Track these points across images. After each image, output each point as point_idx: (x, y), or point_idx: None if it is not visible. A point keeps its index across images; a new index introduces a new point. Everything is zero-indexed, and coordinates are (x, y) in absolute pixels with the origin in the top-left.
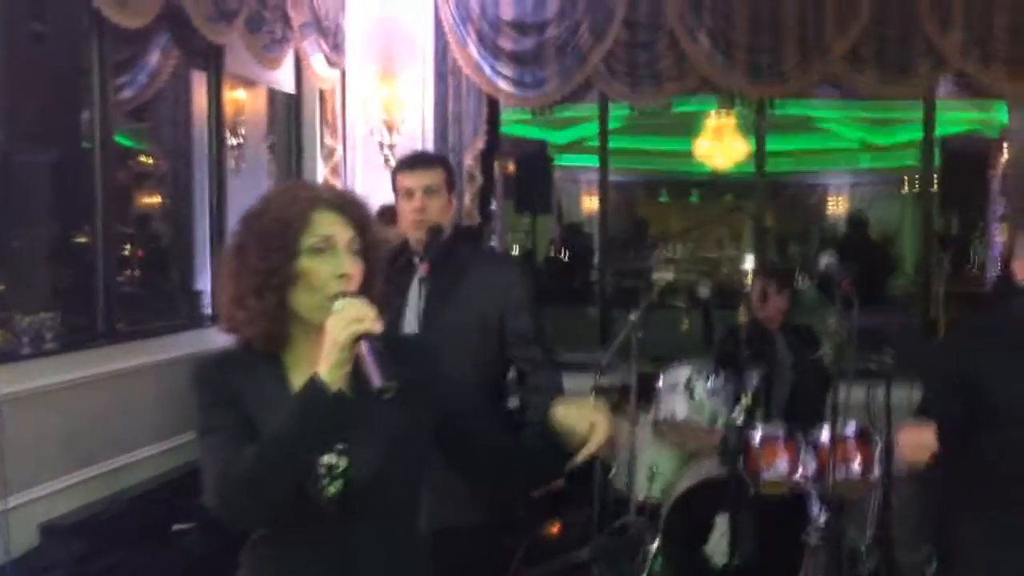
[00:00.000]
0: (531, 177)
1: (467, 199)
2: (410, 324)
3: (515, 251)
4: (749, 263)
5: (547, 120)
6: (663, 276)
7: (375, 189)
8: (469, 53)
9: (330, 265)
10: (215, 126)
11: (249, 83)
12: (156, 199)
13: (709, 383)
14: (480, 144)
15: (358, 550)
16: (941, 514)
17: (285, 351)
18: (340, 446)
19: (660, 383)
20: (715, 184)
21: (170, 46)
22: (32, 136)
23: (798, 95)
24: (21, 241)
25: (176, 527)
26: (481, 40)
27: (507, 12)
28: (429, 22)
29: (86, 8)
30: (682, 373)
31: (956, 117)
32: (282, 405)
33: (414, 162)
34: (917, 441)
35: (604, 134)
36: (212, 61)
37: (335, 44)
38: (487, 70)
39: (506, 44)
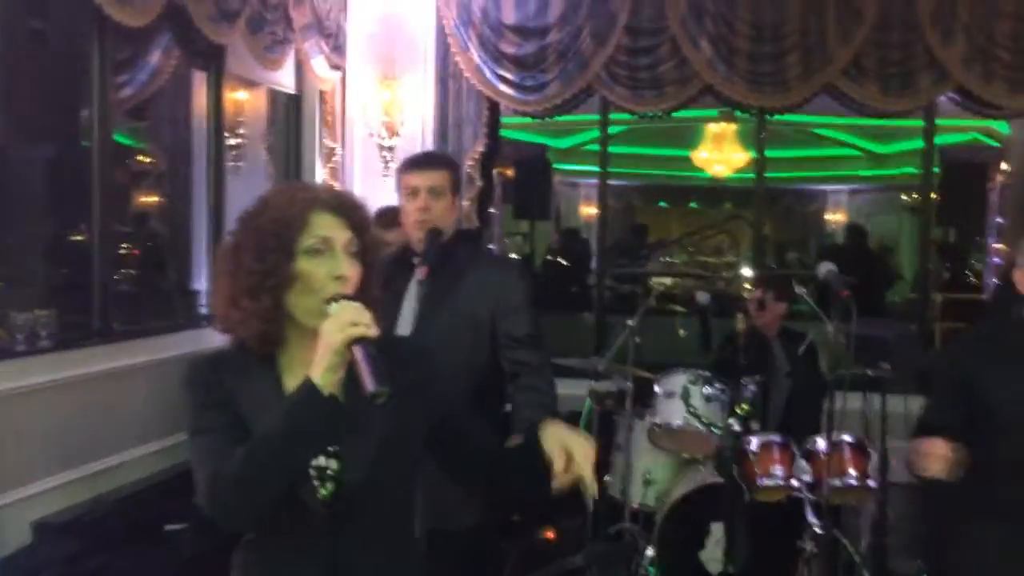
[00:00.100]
0: (530, 183)
1: (466, 203)
2: (405, 326)
3: (513, 256)
4: (747, 270)
5: (547, 126)
6: (661, 282)
7: (374, 191)
8: (470, 57)
9: (327, 267)
10: (215, 126)
11: (250, 83)
12: (154, 198)
13: (706, 390)
14: (480, 148)
15: (349, 553)
16: (934, 525)
17: (279, 352)
18: (331, 449)
19: (657, 389)
20: (714, 191)
21: (171, 45)
22: (31, 133)
23: (800, 107)
24: (17, 238)
25: (168, 527)
26: (483, 44)
27: (509, 16)
28: (431, 25)
29: (87, 6)
30: (679, 380)
31: (956, 124)
32: (275, 407)
33: (420, 162)
34: (932, 451)
35: (605, 140)
36: (213, 61)
37: (336, 46)
38: (488, 74)
39: (508, 48)
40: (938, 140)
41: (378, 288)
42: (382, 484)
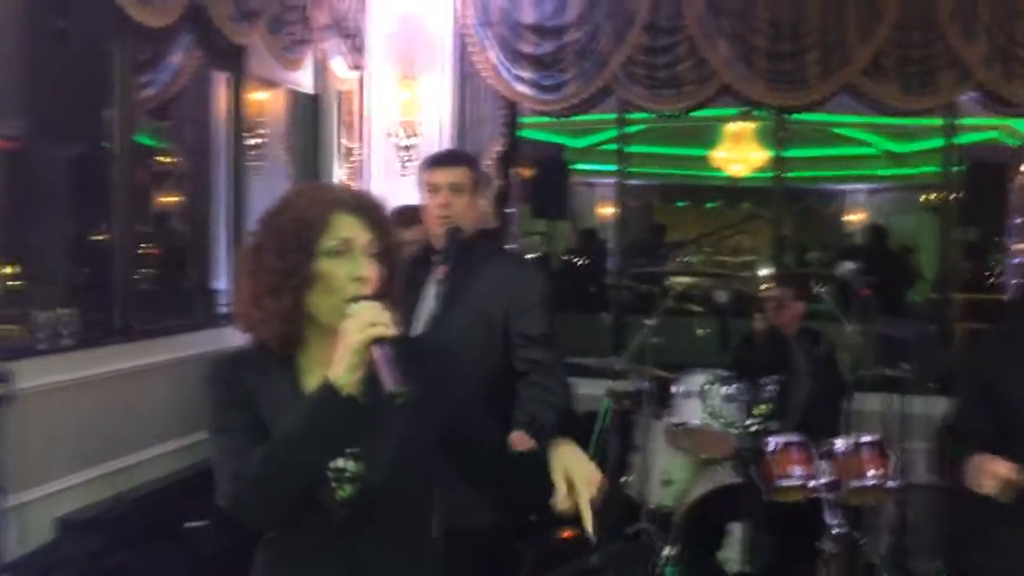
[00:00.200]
0: (548, 182)
1: (483, 202)
2: (421, 324)
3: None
4: (765, 270)
5: (564, 126)
6: (679, 282)
7: (392, 191)
8: (489, 56)
9: (347, 268)
10: (235, 126)
11: (270, 84)
12: (175, 198)
13: (724, 390)
14: (498, 148)
15: (368, 553)
16: (956, 527)
17: (299, 353)
18: (350, 450)
19: (675, 389)
20: (732, 191)
21: (192, 46)
22: (54, 132)
23: (820, 106)
24: (40, 237)
25: (189, 525)
26: (501, 43)
27: (527, 16)
28: (449, 25)
29: (109, 6)
30: (697, 380)
31: (977, 124)
32: (294, 406)
33: (442, 159)
34: (993, 471)
35: (623, 140)
36: (234, 62)
37: (356, 46)
38: (506, 73)
39: (526, 48)
40: (958, 139)
41: (399, 288)
42: (401, 484)
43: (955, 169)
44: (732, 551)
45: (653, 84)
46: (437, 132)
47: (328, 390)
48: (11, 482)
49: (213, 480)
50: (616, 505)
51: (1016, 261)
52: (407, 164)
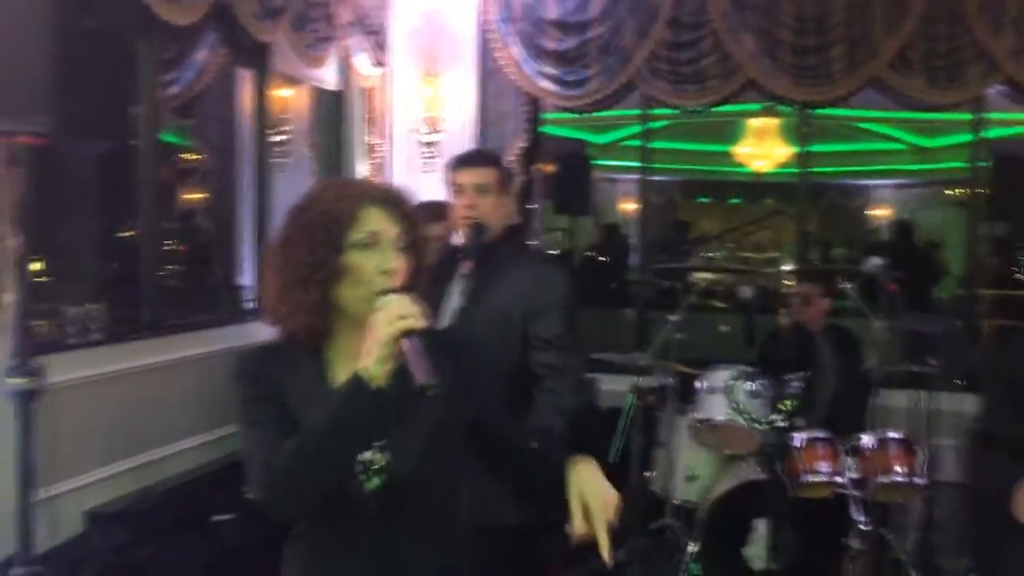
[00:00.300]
0: (571, 178)
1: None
2: (446, 320)
3: (552, 252)
4: (790, 265)
5: (587, 122)
6: (703, 277)
7: (416, 187)
8: (511, 52)
9: (376, 260)
10: (259, 123)
11: (293, 81)
12: (200, 195)
13: (749, 386)
14: (521, 144)
15: (397, 546)
16: (982, 526)
17: (327, 345)
18: (379, 442)
19: (700, 385)
20: (755, 187)
21: (217, 44)
22: (82, 130)
23: (845, 101)
24: (69, 234)
25: (216, 518)
26: (524, 39)
27: (551, 12)
28: (472, 21)
29: (136, 5)
30: (722, 375)
31: (1004, 118)
32: (322, 399)
33: (467, 160)
34: None
35: (646, 135)
36: (258, 59)
37: (379, 43)
38: (529, 69)
39: (549, 44)
40: (985, 134)
41: (426, 282)
42: (429, 477)
43: (982, 164)
44: (757, 547)
45: (677, 79)
46: (460, 128)
47: (358, 383)
48: (41, 475)
49: (239, 474)
50: (640, 501)
51: None
52: (430, 160)
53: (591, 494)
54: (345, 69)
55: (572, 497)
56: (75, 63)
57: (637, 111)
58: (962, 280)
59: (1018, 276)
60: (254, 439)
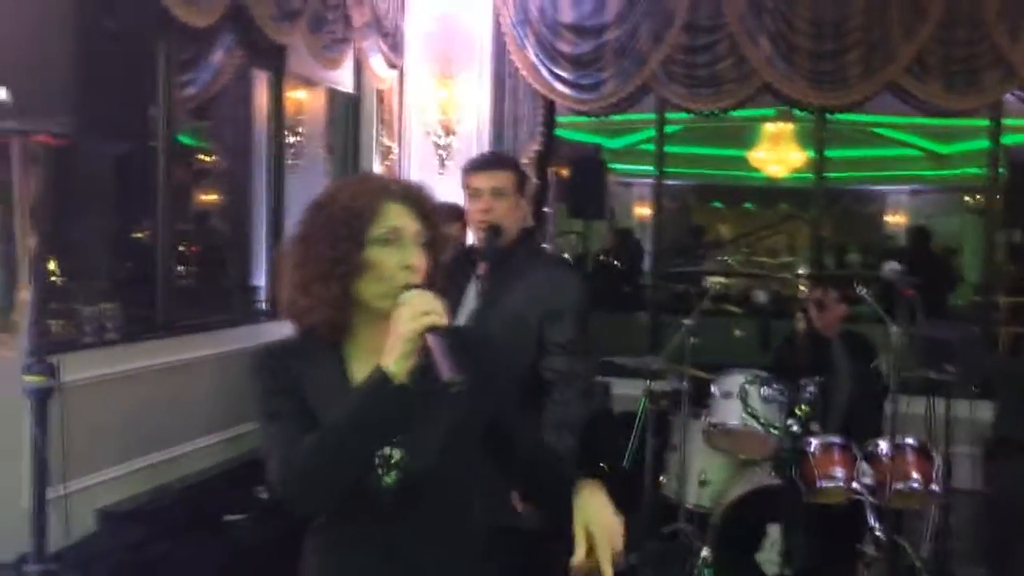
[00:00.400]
0: (585, 182)
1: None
2: (463, 321)
3: (566, 255)
4: (804, 271)
5: (601, 125)
6: (717, 282)
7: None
8: (527, 55)
9: (397, 256)
10: (275, 125)
11: (309, 83)
12: (215, 196)
13: (764, 391)
14: (535, 147)
15: (412, 542)
16: (999, 535)
17: (346, 340)
18: (397, 437)
19: (714, 390)
20: (769, 192)
21: (234, 45)
22: (101, 130)
23: (861, 106)
24: (85, 234)
25: (228, 517)
26: (539, 42)
27: (566, 15)
28: (488, 24)
29: (154, 6)
30: (737, 380)
31: (1021, 125)
32: (341, 394)
33: (483, 163)
34: None
35: (661, 140)
36: (274, 61)
37: (394, 45)
38: (544, 72)
39: (564, 47)
40: (1003, 140)
41: (442, 281)
42: (446, 473)
43: (1000, 171)
44: (770, 553)
45: (692, 83)
46: (475, 131)
47: (381, 378)
48: (55, 473)
49: (252, 473)
50: (653, 505)
51: None
52: (445, 163)
53: (597, 523)
54: (361, 71)
55: (577, 527)
56: (95, 64)
57: (652, 115)
58: (979, 287)
59: None
60: (273, 433)
